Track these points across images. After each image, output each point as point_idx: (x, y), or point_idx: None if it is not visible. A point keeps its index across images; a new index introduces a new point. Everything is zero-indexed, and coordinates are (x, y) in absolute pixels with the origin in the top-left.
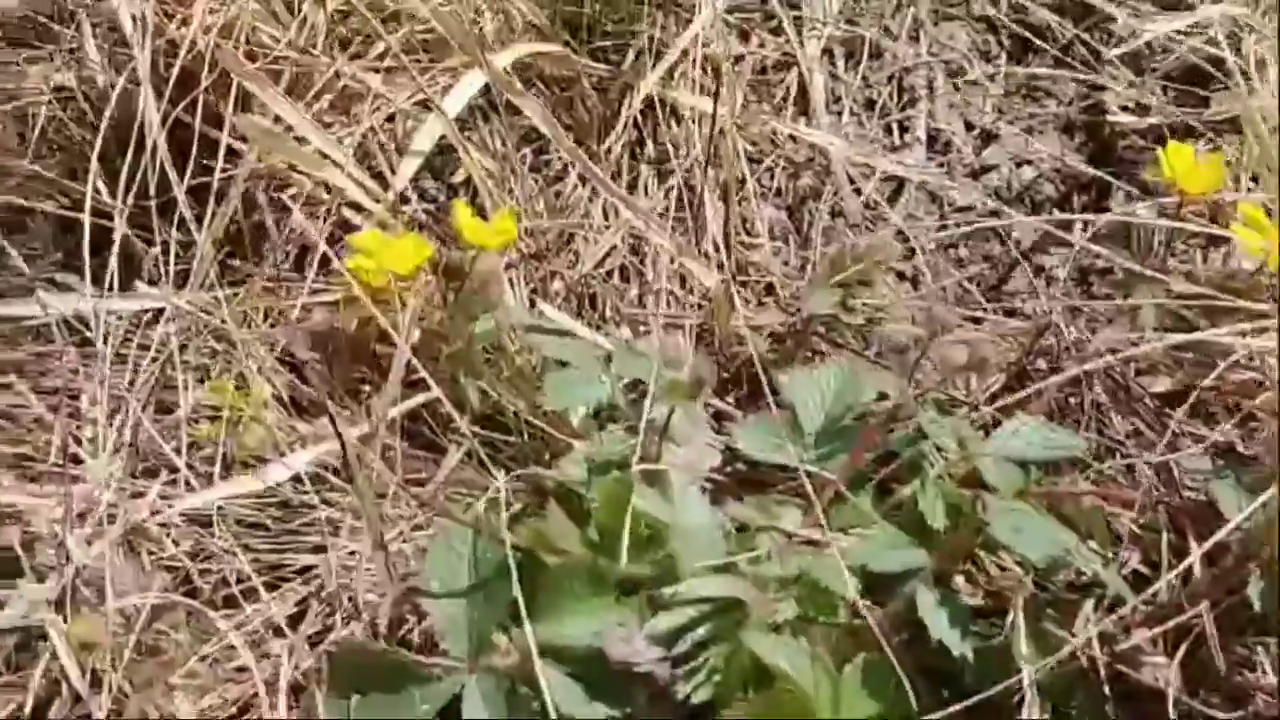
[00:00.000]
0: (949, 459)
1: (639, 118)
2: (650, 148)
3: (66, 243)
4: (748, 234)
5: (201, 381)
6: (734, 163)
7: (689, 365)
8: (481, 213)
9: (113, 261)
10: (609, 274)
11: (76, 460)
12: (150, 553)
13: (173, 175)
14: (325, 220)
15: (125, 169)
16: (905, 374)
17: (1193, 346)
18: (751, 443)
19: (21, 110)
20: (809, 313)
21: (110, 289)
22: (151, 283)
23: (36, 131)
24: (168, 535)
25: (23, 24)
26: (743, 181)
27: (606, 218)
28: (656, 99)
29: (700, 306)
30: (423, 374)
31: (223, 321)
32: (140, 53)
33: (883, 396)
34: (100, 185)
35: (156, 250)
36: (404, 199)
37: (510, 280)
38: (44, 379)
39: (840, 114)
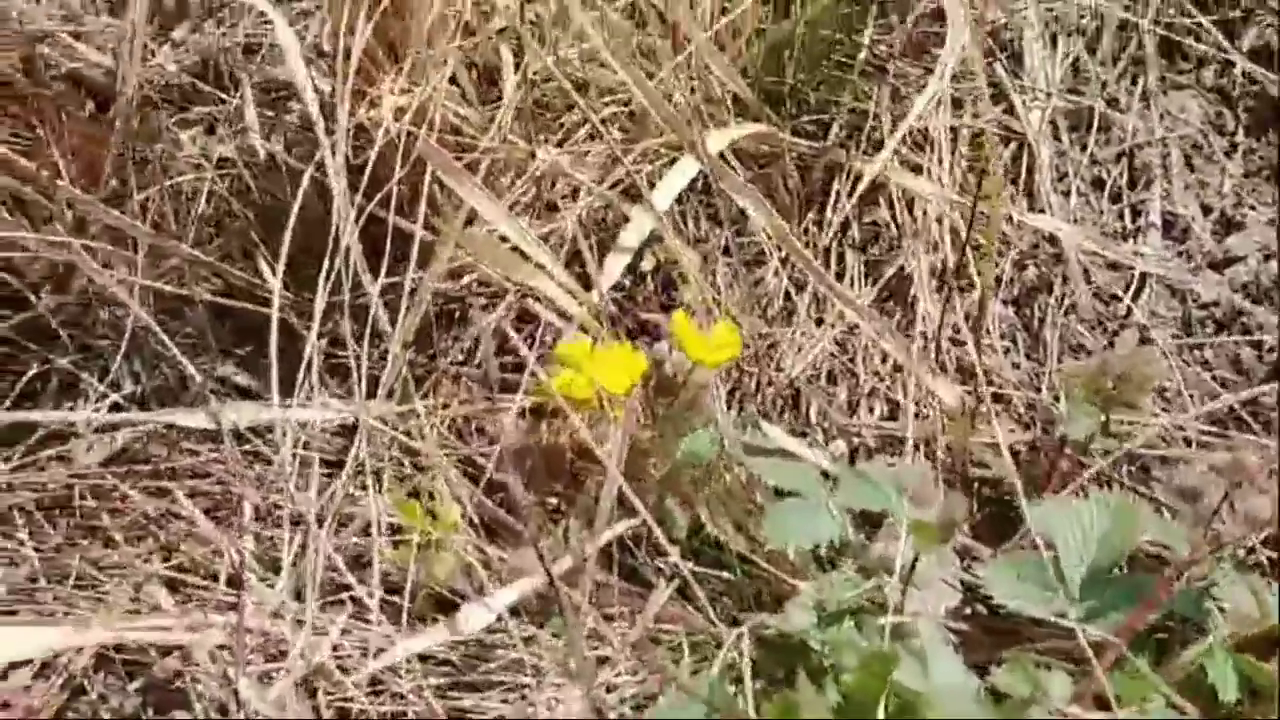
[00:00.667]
0: (1241, 621)
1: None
2: (855, 231)
3: (223, 333)
4: (973, 332)
5: (380, 492)
6: (988, 258)
7: (939, 501)
8: (667, 300)
9: (305, 371)
10: (813, 377)
11: (234, 584)
12: (327, 692)
13: (364, 274)
14: (531, 333)
15: (321, 269)
16: (1198, 521)
17: None
18: (1005, 589)
19: (178, 186)
20: (1068, 436)
21: (290, 395)
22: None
23: (197, 209)
24: (347, 676)
25: (180, 88)
26: (958, 269)
27: (820, 308)
28: (859, 177)
29: (922, 415)
30: (630, 498)
31: (409, 435)
32: (328, 138)
33: (1158, 543)
34: (265, 269)
35: (349, 356)
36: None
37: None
38: (206, 487)
39: (1067, 194)
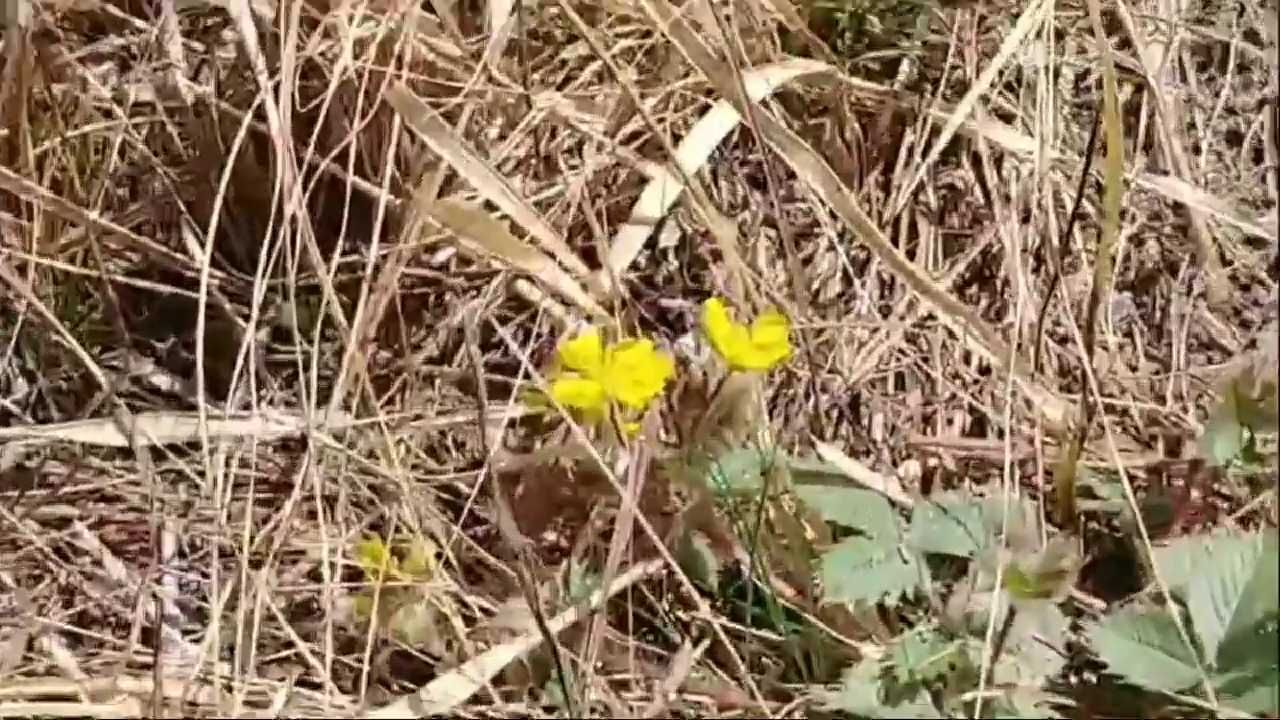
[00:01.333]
0: None
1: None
2: (931, 196)
3: (139, 322)
4: (1082, 326)
5: (334, 525)
6: (1105, 229)
7: (1039, 542)
8: (694, 284)
9: (241, 371)
10: (877, 381)
11: (150, 639)
12: None
13: (315, 250)
14: (524, 325)
15: (262, 243)
16: None
17: None
18: (1123, 655)
19: (83, 137)
20: (1202, 460)
21: (222, 401)
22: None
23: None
24: None
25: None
26: (1063, 246)
27: (887, 294)
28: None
29: (1016, 432)
30: (649, 536)
31: (370, 453)
32: (270, 78)
33: None
34: (191, 243)
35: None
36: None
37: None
38: (117, 515)
39: (1196, 150)
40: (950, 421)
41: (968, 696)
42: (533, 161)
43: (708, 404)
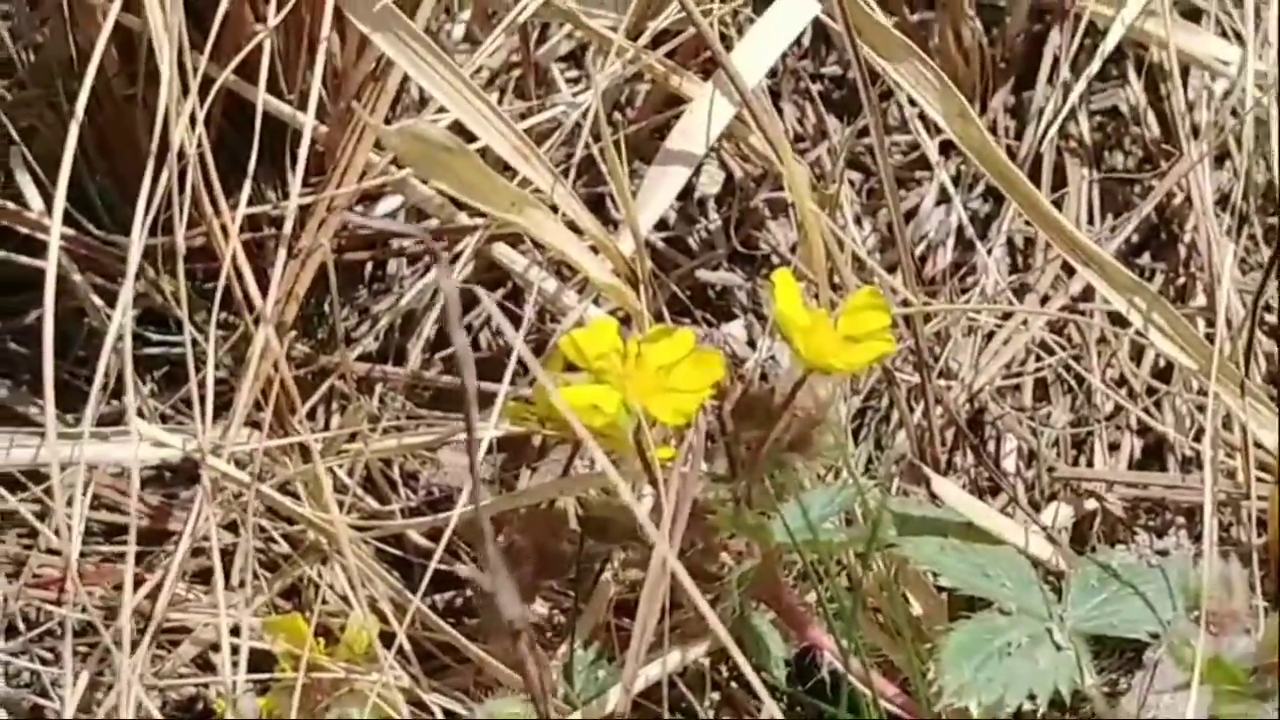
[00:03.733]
0: None
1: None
2: (1085, 126)
3: None
4: None
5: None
6: None
7: (1254, 623)
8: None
9: (105, 371)
10: (1007, 388)
11: None
12: None
13: (210, 199)
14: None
15: (138, 193)
16: None
17: None
18: None
19: None
20: None
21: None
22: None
23: None
24: None
25: None
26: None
27: (1023, 262)
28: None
29: (1216, 465)
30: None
31: (287, 488)
32: None
33: None
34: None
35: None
36: None
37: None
38: None
39: None
40: (1114, 447)
41: None
42: (521, 74)
43: (774, 421)
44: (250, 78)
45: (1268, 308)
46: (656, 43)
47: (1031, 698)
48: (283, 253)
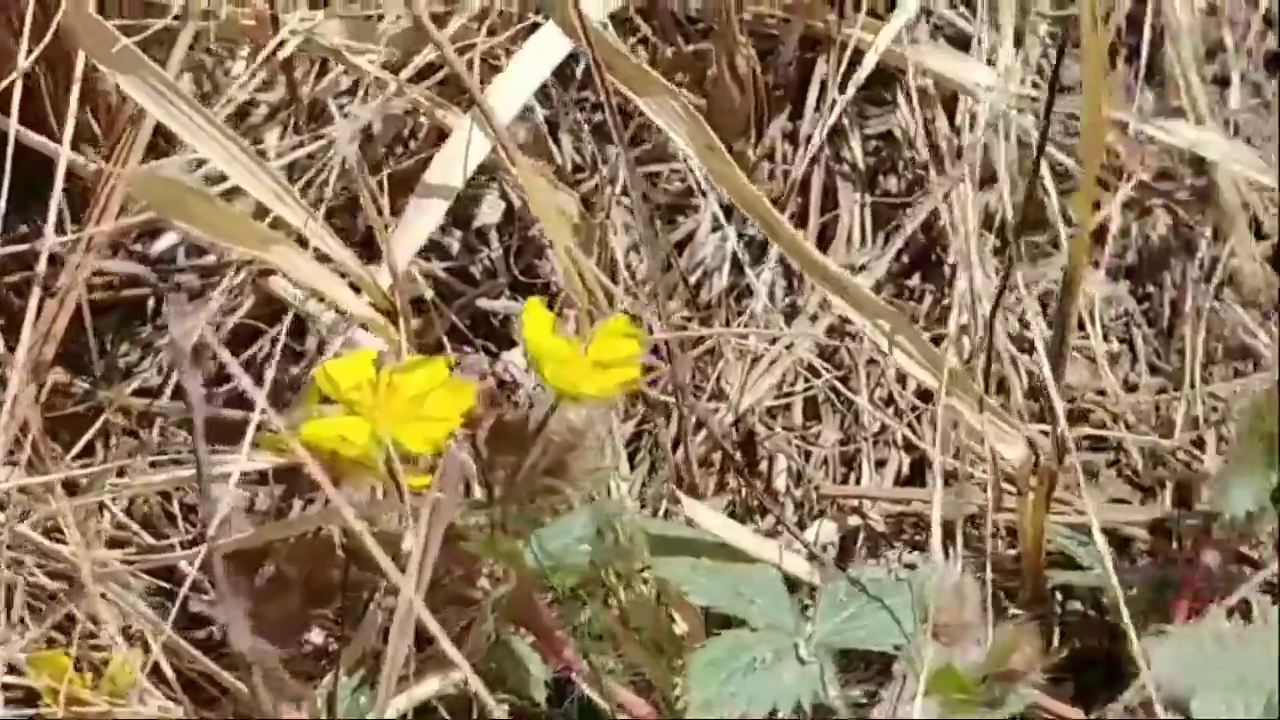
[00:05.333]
0: None
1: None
2: (855, 150)
3: None
4: (1054, 329)
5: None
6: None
7: (997, 637)
8: (526, 278)
9: None
10: (778, 408)
11: None
12: None
13: None
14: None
15: None
16: None
17: None
18: None
19: None
20: (1217, 513)
21: None
22: None
23: None
24: None
25: None
26: (1023, 214)
27: (793, 289)
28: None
29: (964, 478)
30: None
31: (49, 529)
32: None
33: None
34: None
35: None
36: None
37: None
38: None
39: (1223, 82)
40: (880, 465)
41: None
42: (288, 111)
43: (527, 447)
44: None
45: (1024, 324)
46: (422, 76)
47: (774, 710)
48: (37, 288)
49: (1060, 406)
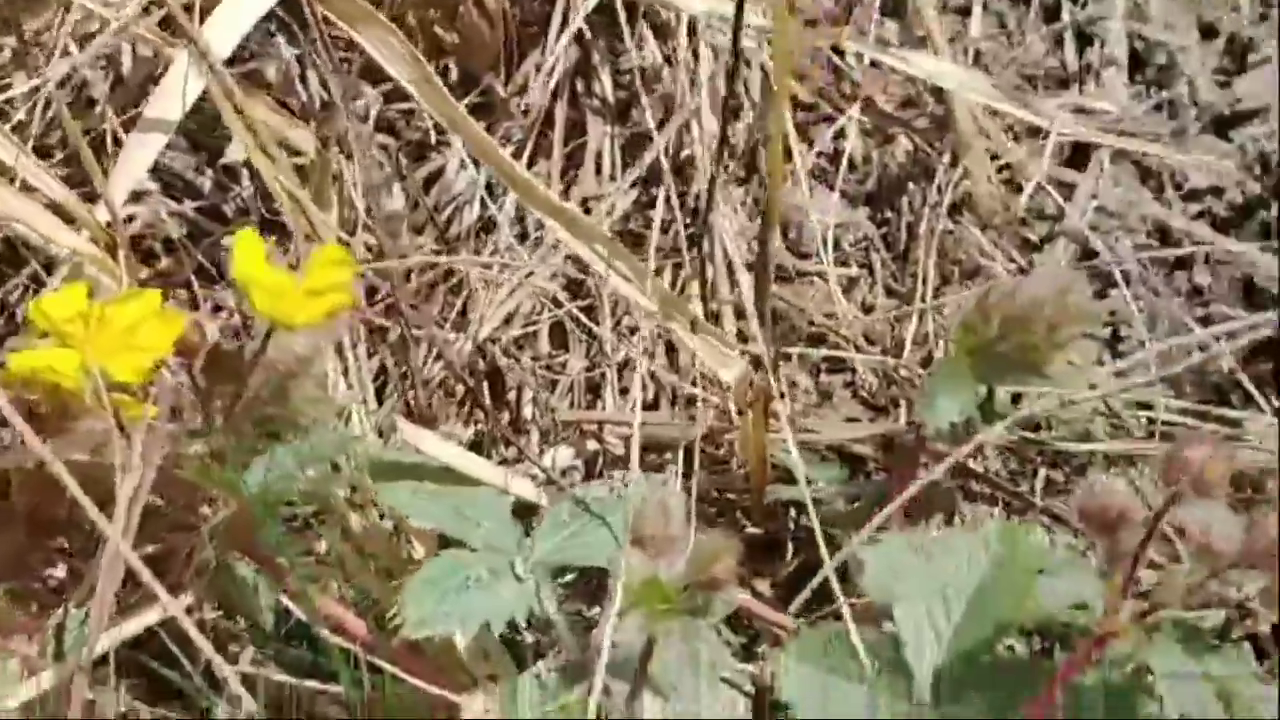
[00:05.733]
0: None
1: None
2: (606, 85)
3: None
4: (793, 252)
5: None
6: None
7: (696, 548)
8: (283, 232)
9: None
10: (525, 338)
11: None
12: None
13: None
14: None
15: None
16: (1115, 562)
17: None
18: (804, 691)
19: None
20: (925, 425)
21: None
22: None
23: None
24: None
25: None
26: (787, 152)
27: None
28: None
29: (707, 402)
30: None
31: None
32: None
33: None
34: None
35: None
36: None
37: (345, 365)
38: None
39: (966, 14)
40: (624, 393)
41: None
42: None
43: (246, 377)
44: None
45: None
46: (150, 9)
47: (487, 625)
48: None
49: (767, 325)
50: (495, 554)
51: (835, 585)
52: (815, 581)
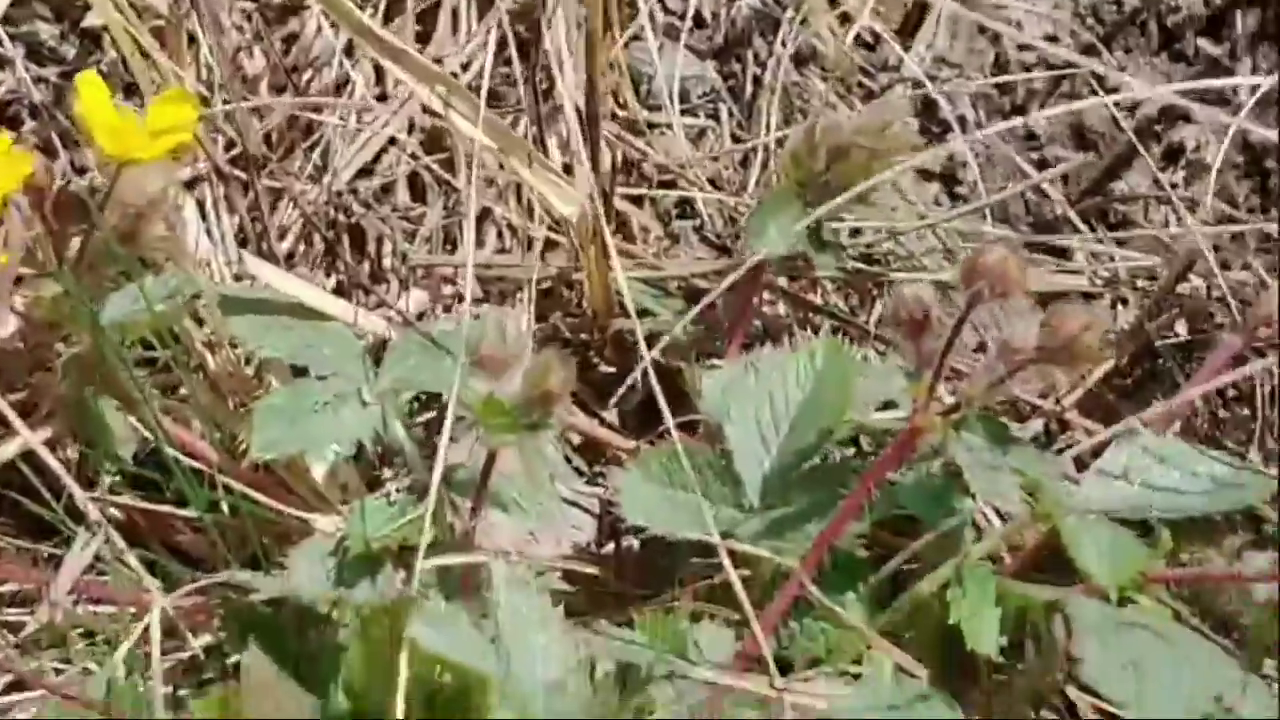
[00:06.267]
0: (1008, 523)
1: None
2: None
3: None
4: (642, 104)
5: None
6: None
7: (528, 363)
8: (131, 90)
9: None
10: (385, 189)
11: None
12: None
13: None
14: None
15: None
16: (922, 362)
17: None
18: (643, 504)
19: None
20: (756, 255)
21: None
22: None
23: None
24: None
25: None
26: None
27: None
28: None
29: (556, 245)
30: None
31: None
32: None
33: (888, 407)
34: None
35: None
36: None
37: (203, 212)
38: None
39: None
40: (481, 245)
41: (433, 562)
42: None
43: (94, 217)
44: None
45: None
46: None
47: (335, 448)
48: None
49: (599, 163)
50: (341, 381)
51: (663, 404)
52: (626, 387)
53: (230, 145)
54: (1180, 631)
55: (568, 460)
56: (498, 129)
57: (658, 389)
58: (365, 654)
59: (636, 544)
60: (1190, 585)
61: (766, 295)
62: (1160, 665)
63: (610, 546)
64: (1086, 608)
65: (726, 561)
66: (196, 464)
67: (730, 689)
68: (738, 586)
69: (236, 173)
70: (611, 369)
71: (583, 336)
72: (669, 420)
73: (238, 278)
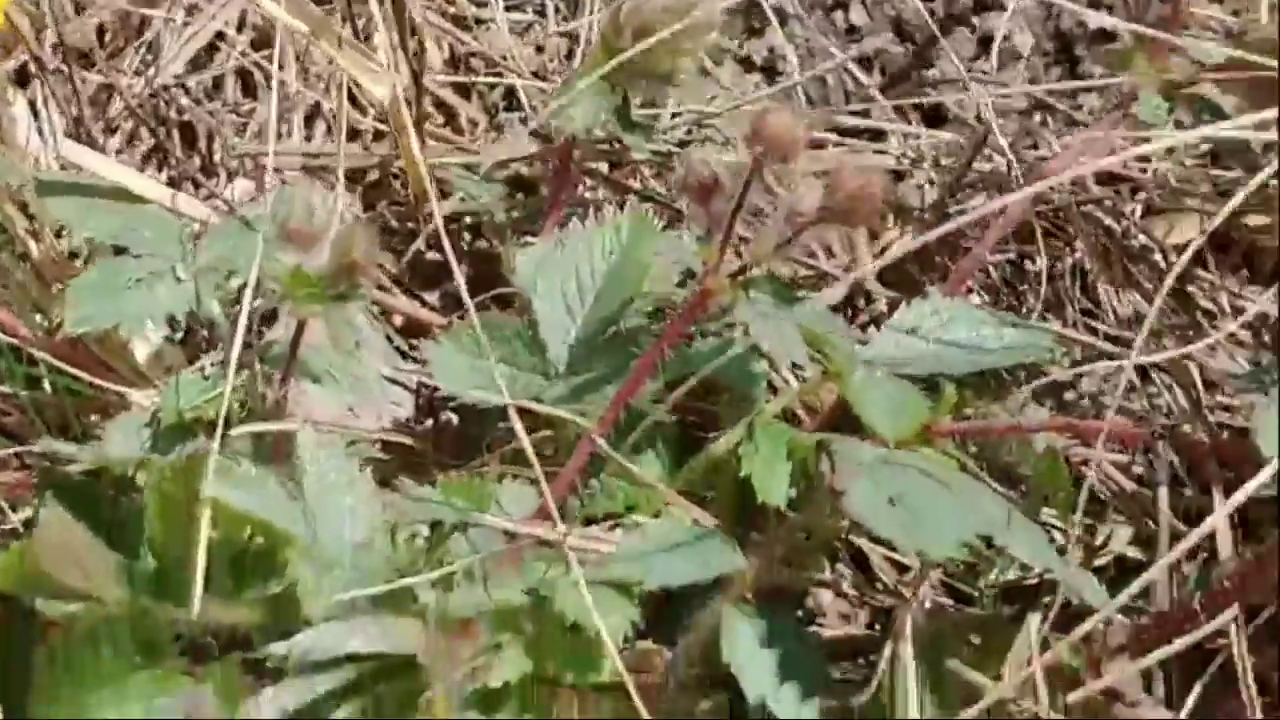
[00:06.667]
0: (799, 379)
1: None
2: None
3: None
4: (472, 3)
5: None
6: None
7: (335, 238)
8: None
9: None
10: (216, 84)
11: None
12: None
13: None
14: None
15: None
16: (715, 229)
17: (1235, 154)
18: (454, 374)
19: None
20: (566, 133)
21: None
22: None
23: None
24: None
25: None
26: None
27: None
28: None
29: (384, 136)
30: None
31: None
32: None
33: (690, 275)
34: None
35: None
36: None
37: (34, 107)
38: None
39: None
40: (309, 139)
41: (243, 430)
42: None
43: None
44: None
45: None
46: None
47: (148, 322)
48: None
49: (407, 49)
50: (157, 260)
51: (460, 279)
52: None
53: (60, 41)
54: (954, 474)
55: (389, 340)
56: (306, 11)
57: (450, 254)
58: (161, 511)
59: (454, 418)
60: (975, 438)
61: (589, 181)
62: (927, 500)
63: (429, 422)
64: (854, 446)
65: (517, 424)
66: (18, 343)
67: (531, 542)
68: (527, 445)
69: (60, 66)
70: (437, 256)
71: (409, 226)
72: (463, 290)
73: (63, 167)
